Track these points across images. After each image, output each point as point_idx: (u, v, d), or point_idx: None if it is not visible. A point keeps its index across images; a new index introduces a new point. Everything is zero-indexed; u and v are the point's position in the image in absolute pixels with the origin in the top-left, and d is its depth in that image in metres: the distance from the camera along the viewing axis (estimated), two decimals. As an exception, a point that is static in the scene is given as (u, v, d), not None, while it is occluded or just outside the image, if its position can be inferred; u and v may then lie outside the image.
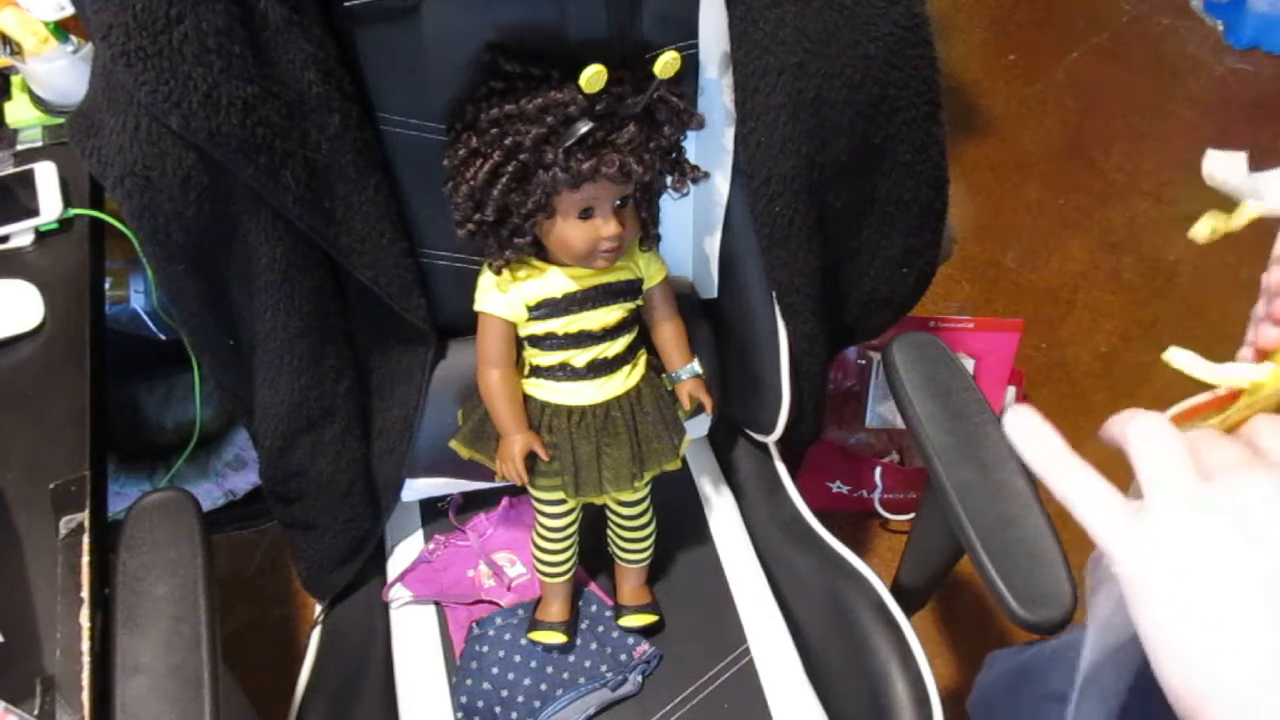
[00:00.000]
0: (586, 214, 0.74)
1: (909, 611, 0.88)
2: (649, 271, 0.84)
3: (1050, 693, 0.84)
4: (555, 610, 0.93)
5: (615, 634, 0.94)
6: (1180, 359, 0.46)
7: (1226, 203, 0.52)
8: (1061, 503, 0.39)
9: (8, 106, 1.02)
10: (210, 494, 1.34)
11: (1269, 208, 0.48)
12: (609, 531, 0.95)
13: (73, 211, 0.94)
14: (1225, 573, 0.35)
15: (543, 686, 0.91)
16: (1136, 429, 0.39)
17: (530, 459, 0.83)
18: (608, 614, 0.96)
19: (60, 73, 0.99)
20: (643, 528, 0.93)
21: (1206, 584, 0.35)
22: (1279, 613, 0.34)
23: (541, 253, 0.80)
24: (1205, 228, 0.51)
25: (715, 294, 0.96)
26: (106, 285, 1.08)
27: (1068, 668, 0.80)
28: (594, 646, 0.93)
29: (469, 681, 0.91)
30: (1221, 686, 0.34)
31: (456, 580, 0.99)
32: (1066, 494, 0.39)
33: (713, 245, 0.91)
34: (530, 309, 0.80)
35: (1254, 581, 0.34)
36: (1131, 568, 0.36)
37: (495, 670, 0.91)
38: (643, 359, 0.86)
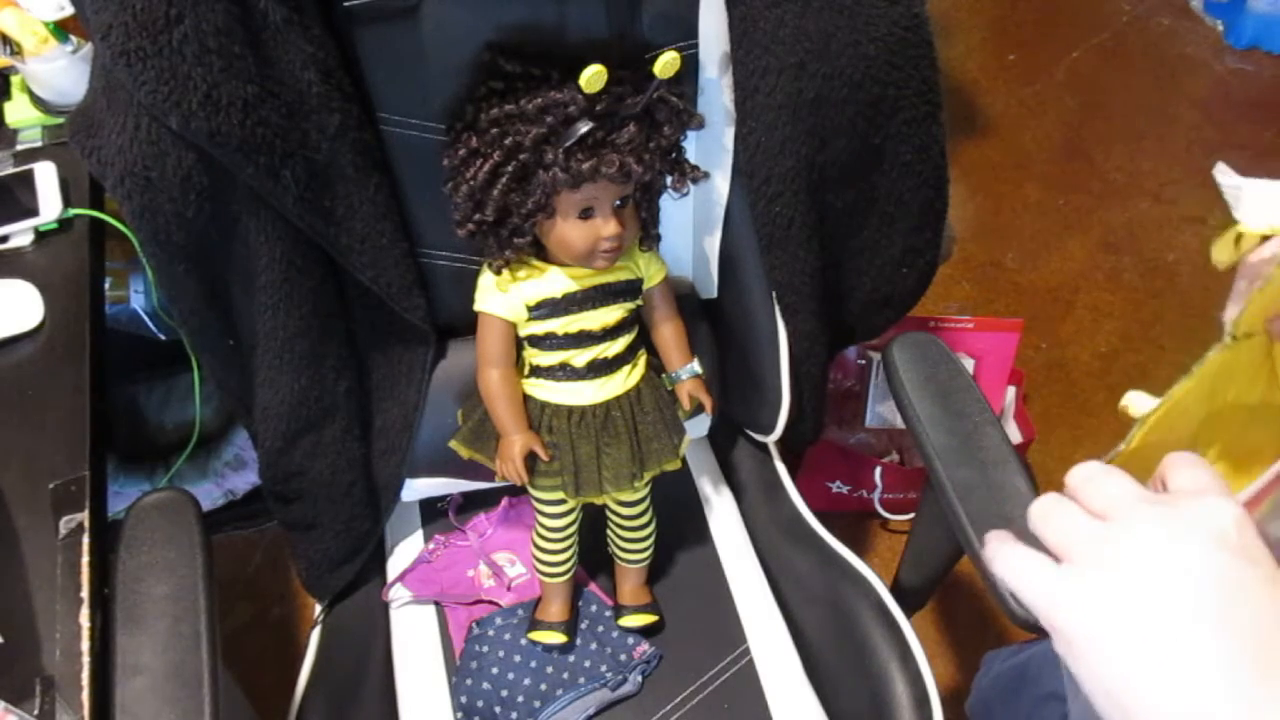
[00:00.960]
0: (586, 214, 0.74)
1: (909, 611, 0.88)
2: (649, 271, 0.84)
3: (1048, 693, 0.84)
4: (555, 610, 0.93)
5: (615, 634, 0.94)
6: (1139, 405, 0.50)
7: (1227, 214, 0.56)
8: (987, 575, 0.42)
9: (8, 106, 1.02)
10: (210, 494, 1.34)
11: (1246, 226, 0.52)
12: (609, 531, 0.95)
13: (73, 211, 0.94)
14: (1140, 613, 0.38)
15: (543, 686, 0.91)
16: (1033, 511, 0.42)
17: (530, 459, 0.83)
18: (608, 614, 0.96)
19: (60, 73, 0.99)
20: (643, 528, 0.93)
21: (1126, 628, 0.38)
22: (1195, 637, 0.36)
23: (541, 253, 0.80)
24: (1223, 254, 0.55)
25: (715, 294, 0.96)
26: (106, 285, 1.08)
27: (1063, 670, 0.80)
28: (594, 646, 0.93)
29: (469, 681, 0.91)
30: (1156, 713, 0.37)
31: (456, 580, 0.99)
32: (993, 562, 0.43)
33: (713, 245, 0.91)
34: (530, 309, 0.80)
35: (1165, 615, 0.37)
36: (1061, 624, 0.39)
37: (495, 670, 0.91)
38: (643, 359, 0.86)
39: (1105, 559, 0.39)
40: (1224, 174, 0.55)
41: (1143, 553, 0.39)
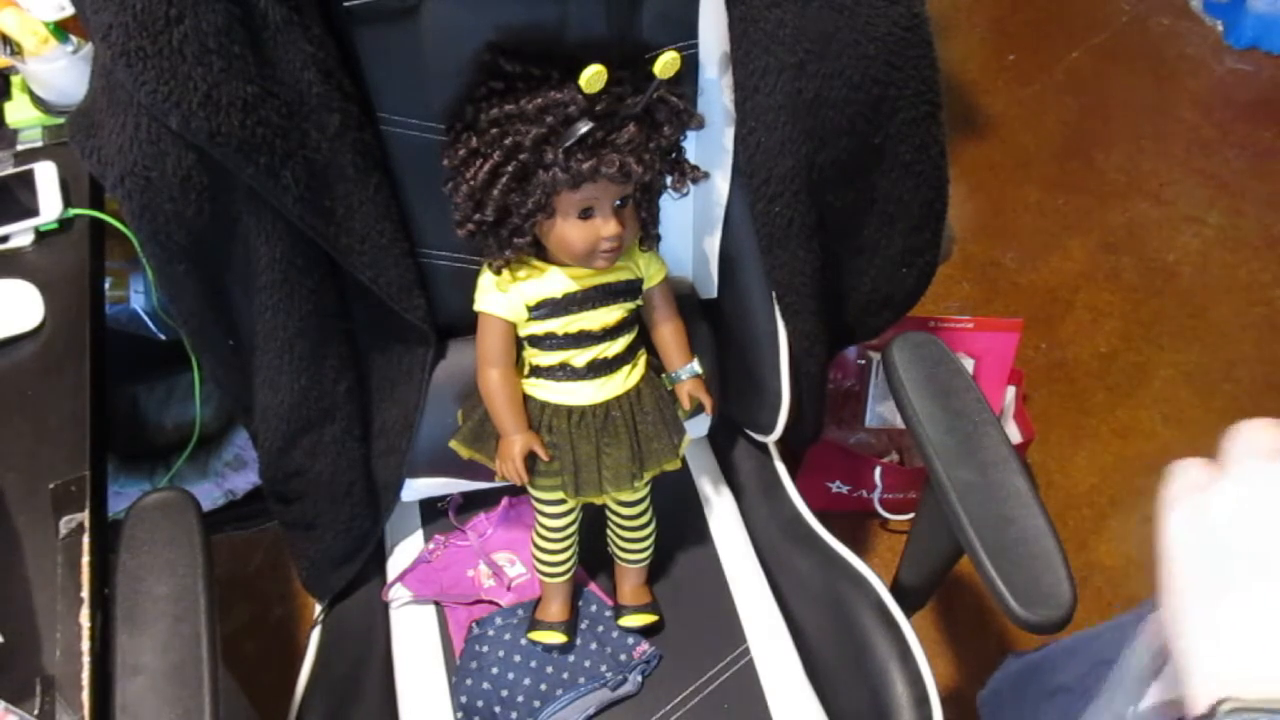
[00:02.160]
0: (586, 214, 0.74)
1: (909, 611, 0.88)
2: (649, 271, 0.84)
3: (1054, 687, 0.84)
4: (555, 610, 0.93)
5: (615, 634, 0.94)
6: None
7: None
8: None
9: (8, 106, 1.02)
10: (210, 494, 1.34)
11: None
12: (609, 531, 0.95)
13: (73, 211, 0.94)
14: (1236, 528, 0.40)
15: (543, 686, 0.91)
16: (1242, 424, 0.44)
17: (530, 459, 0.83)
18: (608, 614, 0.96)
19: (60, 73, 0.99)
20: (643, 528, 0.93)
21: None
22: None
23: (541, 253, 0.80)
24: None
25: (715, 294, 0.96)
26: (106, 285, 1.08)
27: (1075, 664, 0.81)
28: (594, 646, 0.93)
29: (469, 681, 0.91)
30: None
31: (456, 580, 0.99)
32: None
33: (713, 245, 0.91)
34: (530, 309, 0.80)
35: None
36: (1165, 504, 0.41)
37: (495, 670, 0.91)
38: (643, 359, 0.86)
39: (1239, 473, 0.41)
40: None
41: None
